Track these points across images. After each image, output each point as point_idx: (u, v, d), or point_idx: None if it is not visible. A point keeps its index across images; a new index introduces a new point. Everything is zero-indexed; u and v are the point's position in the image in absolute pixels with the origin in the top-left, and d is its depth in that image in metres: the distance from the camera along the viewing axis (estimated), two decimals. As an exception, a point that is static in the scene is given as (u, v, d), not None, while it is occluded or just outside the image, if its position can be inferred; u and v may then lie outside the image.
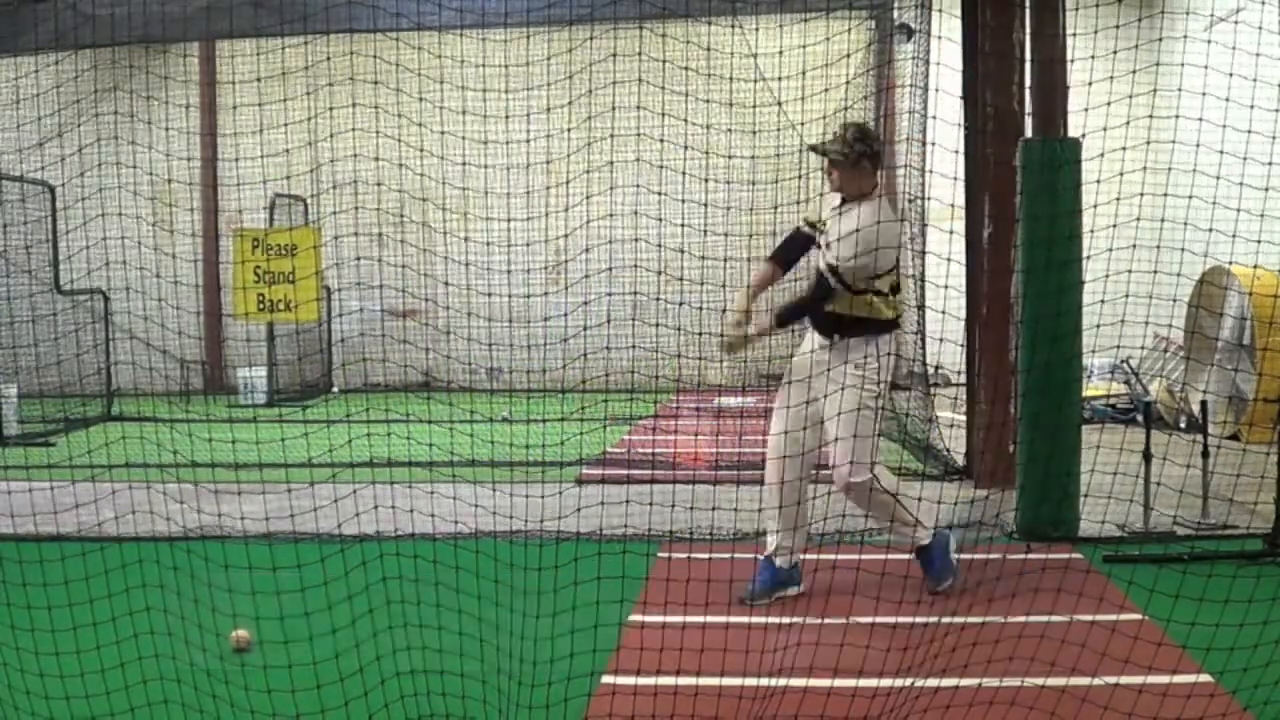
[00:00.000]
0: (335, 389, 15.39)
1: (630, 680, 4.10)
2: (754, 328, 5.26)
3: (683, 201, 6.55)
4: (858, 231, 5.01)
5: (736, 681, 3.97)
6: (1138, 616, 4.69)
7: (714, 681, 3.98)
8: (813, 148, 5.28)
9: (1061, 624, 4.42)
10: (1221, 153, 5.33)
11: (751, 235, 7.13)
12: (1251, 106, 5.52)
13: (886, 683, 3.91)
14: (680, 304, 6.01)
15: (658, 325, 6.66)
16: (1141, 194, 5.24)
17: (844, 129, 5.18)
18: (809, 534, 5.43)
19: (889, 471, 5.43)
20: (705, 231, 7.19)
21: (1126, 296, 5.28)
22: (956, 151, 7.59)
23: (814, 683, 3.91)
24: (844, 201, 5.23)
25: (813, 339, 5.35)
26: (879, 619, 4.37)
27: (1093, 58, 5.48)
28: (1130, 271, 5.40)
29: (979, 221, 7.65)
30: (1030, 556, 5.44)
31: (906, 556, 5.43)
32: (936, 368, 11.23)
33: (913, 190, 8.83)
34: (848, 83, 9.38)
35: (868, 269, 5.08)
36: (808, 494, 5.34)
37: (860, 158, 5.12)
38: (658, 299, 5.70)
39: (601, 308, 7.30)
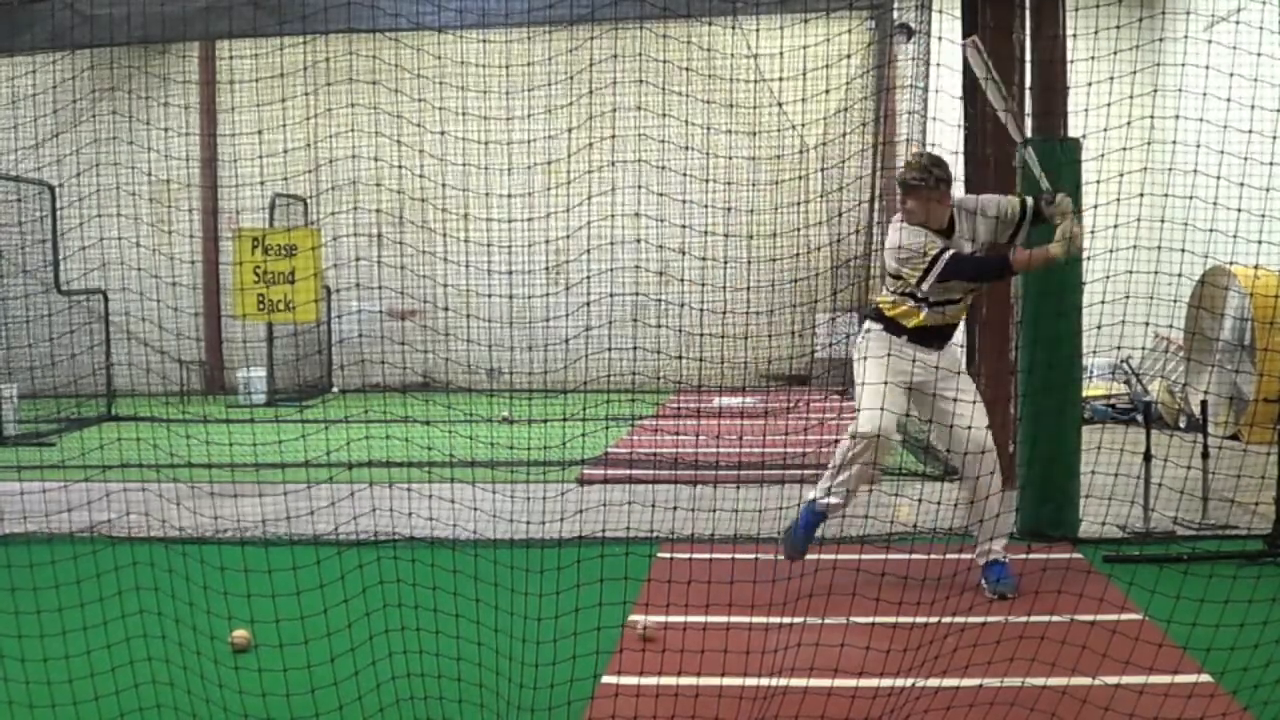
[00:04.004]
0: (334, 390, 15.39)
1: (631, 681, 4.10)
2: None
3: (684, 202, 6.55)
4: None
5: (737, 682, 3.97)
6: (1138, 617, 4.69)
7: (714, 682, 3.98)
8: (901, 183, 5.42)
9: (1062, 624, 4.42)
10: (1222, 153, 5.33)
11: (752, 237, 7.13)
12: (1252, 107, 5.52)
13: (887, 683, 3.91)
14: (681, 305, 6.01)
15: (659, 326, 6.67)
16: (1142, 194, 5.24)
17: (918, 156, 5.36)
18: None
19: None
20: (706, 232, 7.19)
21: (1127, 297, 5.27)
22: (956, 152, 7.58)
23: (814, 683, 3.90)
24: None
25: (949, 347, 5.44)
26: (879, 619, 4.36)
27: (1093, 58, 5.47)
28: (1130, 272, 5.40)
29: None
30: (1031, 557, 5.44)
31: (906, 556, 5.42)
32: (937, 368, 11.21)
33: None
34: (848, 84, 9.39)
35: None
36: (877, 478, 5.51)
37: (938, 183, 5.24)
38: (658, 300, 5.69)
39: (602, 308, 7.30)
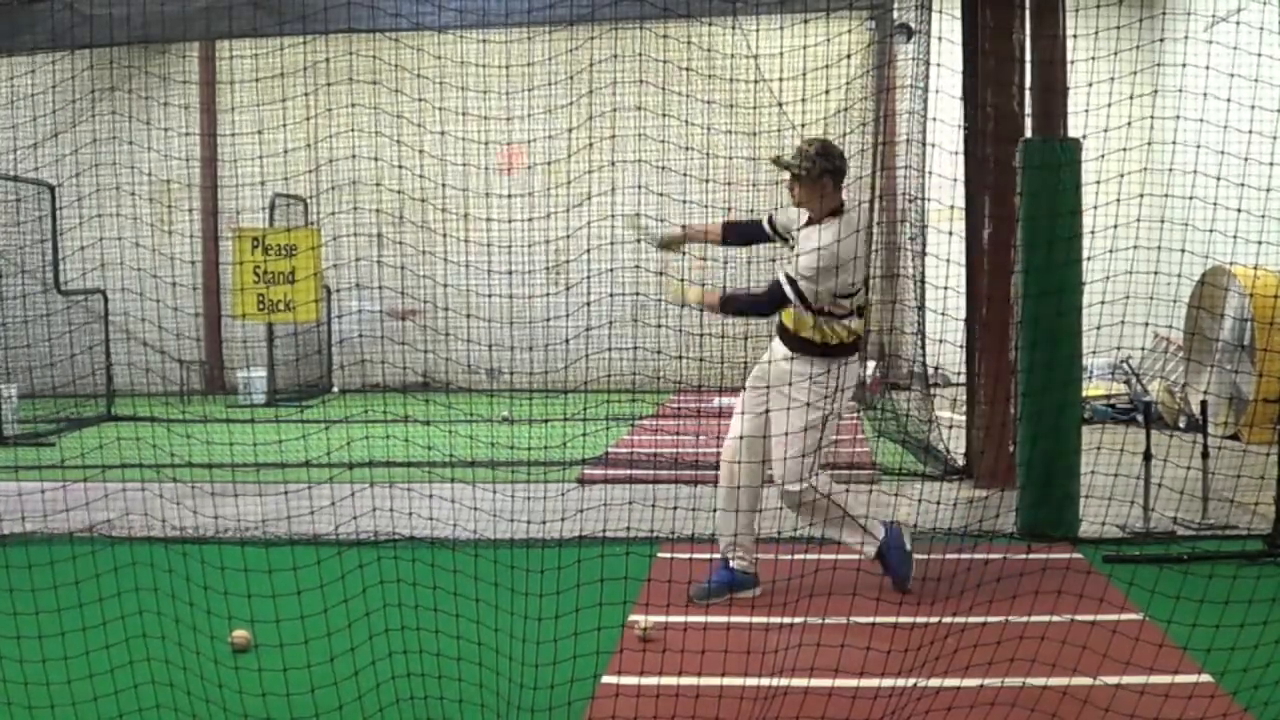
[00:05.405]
0: (334, 389, 15.39)
1: (631, 681, 4.10)
2: (695, 294, 5.27)
3: (684, 202, 6.55)
4: (819, 250, 4.93)
5: (738, 682, 3.97)
6: (1138, 617, 4.69)
7: (715, 682, 3.98)
8: (775, 160, 5.20)
9: (1062, 625, 4.42)
10: (1222, 153, 5.33)
11: (752, 236, 7.11)
12: (1252, 107, 5.53)
13: (888, 684, 3.91)
14: (682, 305, 6.00)
15: (659, 326, 6.66)
16: (1142, 195, 5.25)
17: (807, 144, 5.07)
18: (760, 536, 5.41)
19: (830, 479, 5.34)
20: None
21: (1127, 297, 5.28)
22: (956, 152, 7.59)
23: (815, 683, 3.90)
24: (809, 221, 5.14)
25: (776, 348, 5.30)
26: (879, 619, 4.36)
27: (1093, 59, 5.48)
28: (1130, 272, 5.41)
29: (979, 222, 7.65)
30: (1031, 557, 5.44)
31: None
32: (936, 368, 11.24)
33: (913, 191, 8.83)
34: (848, 84, 9.39)
35: (830, 289, 4.99)
36: (761, 499, 5.34)
37: (822, 174, 5.00)
38: (659, 299, 5.69)
39: (602, 308, 7.30)
